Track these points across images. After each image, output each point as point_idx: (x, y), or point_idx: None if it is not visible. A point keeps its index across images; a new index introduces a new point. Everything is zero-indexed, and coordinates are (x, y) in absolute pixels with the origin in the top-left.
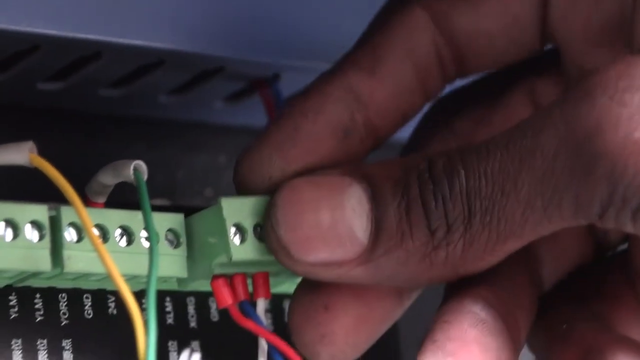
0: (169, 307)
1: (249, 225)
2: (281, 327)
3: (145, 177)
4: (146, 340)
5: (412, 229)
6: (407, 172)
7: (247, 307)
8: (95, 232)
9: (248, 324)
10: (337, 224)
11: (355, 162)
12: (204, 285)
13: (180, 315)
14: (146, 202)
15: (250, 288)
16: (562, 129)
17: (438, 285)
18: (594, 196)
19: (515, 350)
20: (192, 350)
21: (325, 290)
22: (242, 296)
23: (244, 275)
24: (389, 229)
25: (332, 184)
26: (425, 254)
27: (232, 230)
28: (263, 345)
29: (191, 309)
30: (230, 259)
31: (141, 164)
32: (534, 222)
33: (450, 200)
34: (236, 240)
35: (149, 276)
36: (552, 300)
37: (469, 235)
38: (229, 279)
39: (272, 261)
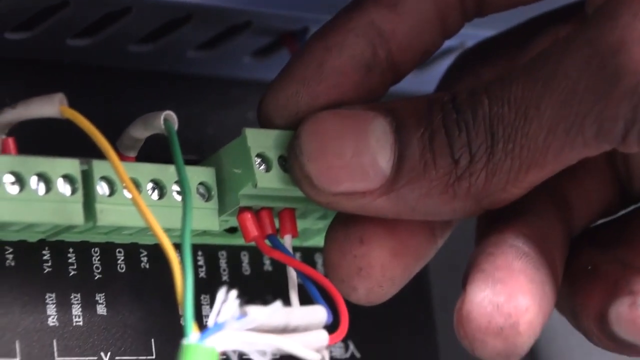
0: (201, 261)
1: (273, 155)
2: None
3: (175, 127)
4: (183, 282)
5: (435, 158)
6: (431, 104)
7: (274, 239)
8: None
9: (276, 255)
10: (361, 154)
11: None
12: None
13: (212, 269)
14: (178, 151)
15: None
16: (586, 49)
17: (464, 219)
18: (617, 114)
19: (556, 285)
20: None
21: (359, 225)
22: (268, 230)
23: (270, 211)
24: (412, 159)
25: (356, 116)
26: (448, 184)
27: (257, 160)
28: (292, 277)
29: (223, 263)
30: (255, 185)
31: (171, 114)
32: (556, 148)
33: (474, 128)
34: (261, 169)
35: (184, 213)
36: (577, 247)
37: (491, 164)
38: (256, 213)
39: (297, 197)
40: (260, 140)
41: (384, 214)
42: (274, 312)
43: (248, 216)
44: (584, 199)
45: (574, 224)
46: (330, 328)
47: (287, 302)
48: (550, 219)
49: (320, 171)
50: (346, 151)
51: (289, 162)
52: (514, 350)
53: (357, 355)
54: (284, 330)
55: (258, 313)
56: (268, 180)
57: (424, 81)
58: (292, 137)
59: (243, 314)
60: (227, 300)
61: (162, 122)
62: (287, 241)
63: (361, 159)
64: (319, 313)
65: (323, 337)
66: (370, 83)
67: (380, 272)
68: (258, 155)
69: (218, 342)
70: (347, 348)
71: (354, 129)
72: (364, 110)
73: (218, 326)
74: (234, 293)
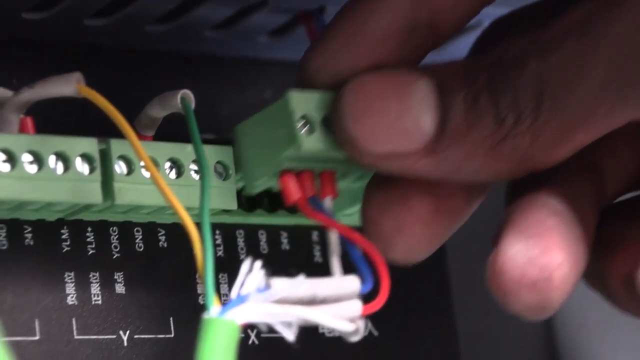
0: (218, 239)
1: (316, 118)
2: None
3: (193, 105)
4: (204, 254)
5: (480, 119)
6: (476, 64)
7: (316, 201)
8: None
9: (319, 217)
10: (404, 115)
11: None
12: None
13: (230, 247)
14: (195, 130)
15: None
16: (637, 9)
17: (504, 181)
18: None
19: (589, 245)
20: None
21: (400, 184)
22: (310, 192)
23: (312, 173)
24: (456, 119)
25: (399, 78)
26: (492, 145)
27: (300, 122)
28: (334, 241)
29: (240, 242)
30: (300, 149)
31: (188, 93)
32: (605, 109)
33: (520, 87)
34: (305, 132)
35: (202, 190)
36: (606, 216)
37: (537, 125)
38: (297, 175)
39: (339, 158)
40: (304, 103)
41: (427, 176)
42: (299, 285)
43: (291, 178)
44: (617, 170)
45: (606, 193)
46: (368, 297)
47: None
48: (583, 186)
49: (363, 133)
50: (390, 112)
51: (332, 124)
52: (547, 304)
53: (375, 333)
54: (312, 302)
55: (282, 285)
56: (312, 143)
57: (441, 60)
58: (335, 99)
59: (267, 287)
60: (251, 272)
61: (179, 101)
62: (327, 203)
63: (404, 120)
64: (351, 283)
65: (356, 307)
66: (412, 45)
67: (420, 231)
68: (301, 118)
69: (240, 314)
70: (364, 326)
71: (398, 90)
72: (407, 72)
73: (240, 299)
74: (258, 264)
